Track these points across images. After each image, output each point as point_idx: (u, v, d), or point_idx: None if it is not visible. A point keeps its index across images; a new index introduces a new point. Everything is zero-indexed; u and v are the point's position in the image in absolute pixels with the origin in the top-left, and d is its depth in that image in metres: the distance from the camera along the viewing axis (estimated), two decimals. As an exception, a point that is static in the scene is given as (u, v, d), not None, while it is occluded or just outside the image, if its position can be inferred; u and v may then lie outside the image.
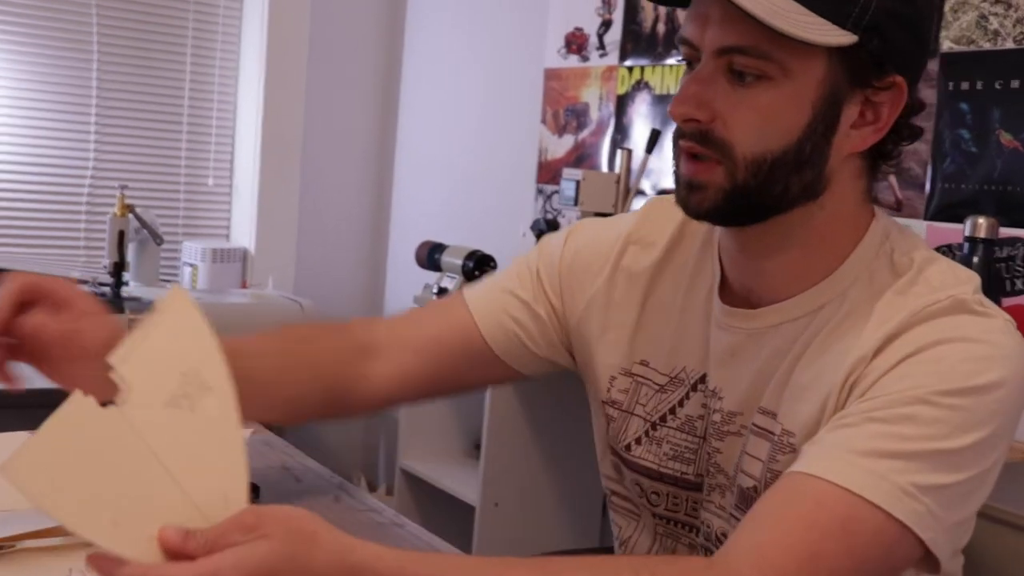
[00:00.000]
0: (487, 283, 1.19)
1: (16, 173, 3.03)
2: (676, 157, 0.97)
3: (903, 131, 0.96)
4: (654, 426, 1.07)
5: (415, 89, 3.48)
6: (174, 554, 0.74)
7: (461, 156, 3.29)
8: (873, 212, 0.99)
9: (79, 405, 0.74)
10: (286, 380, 1.12)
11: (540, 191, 2.97)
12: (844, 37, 0.87)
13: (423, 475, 2.87)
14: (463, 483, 2.73)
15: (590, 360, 1.13)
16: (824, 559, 0.83)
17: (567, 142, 2.91)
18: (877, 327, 0.91)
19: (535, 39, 2.98)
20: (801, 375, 0.95)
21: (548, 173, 2.95)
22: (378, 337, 1.16)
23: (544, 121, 2.97)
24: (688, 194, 0.95)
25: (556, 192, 2.87)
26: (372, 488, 3.39)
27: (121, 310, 2.50)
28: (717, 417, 1.02)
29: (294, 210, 3.36)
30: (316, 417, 1.20)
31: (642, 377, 1.08)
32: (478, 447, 2.72)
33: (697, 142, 0.92)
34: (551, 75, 2.95)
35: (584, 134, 2.87)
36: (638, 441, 1.08)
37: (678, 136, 0.95)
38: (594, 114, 2.84)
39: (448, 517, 2.87)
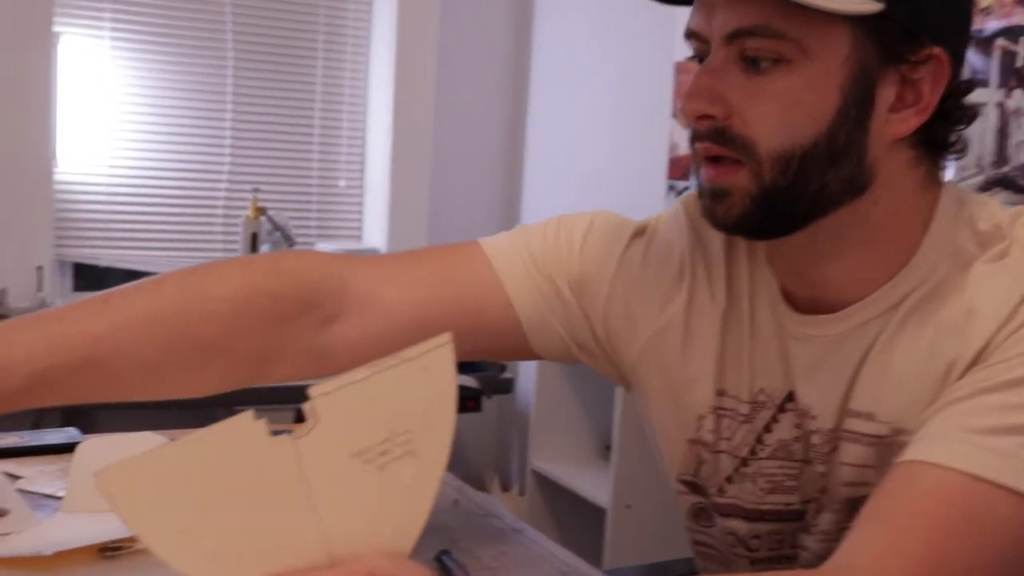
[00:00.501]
0: (524, 261, 1.01)
1: (156, 178, 3.12)
2: (695, 163, 0.87)
3: (954, 113, 0.85)
4: (744, 462, 0.95)
5: (544, 85, 3.45)
6: None
7: (591, 151, 3.25)
8: (940, 189, 0.88)
9: (246, 424, 0.64)
10: (185, 368, 0.94)
11: (671, 187, 2.91)
12: (866, 5, 0.77)
13: (554, 476, 2.85)
14: (594, 485, 2.70)
15: (671, 397, 0.99)
16: (953, 558, 0.74)
17: (699, 136, 2.84)
18: (996, 298, 0.81)
19: (664, 32, 2.92)
20: (897, 367, 0.85)
21: (679, 169, 2.88)
22: (349, 294, 0.98)
23: (675, 116, 2.91)
24: (713, 204, 0.85)
25: (687, 188, 2.81)
26: (505, 488, 3.38)
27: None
28: (816, 439, 0.91)
29: (425, 210, 3.37)
30: (233, 388, 0.98)
31: (723, 409, 0.96)
32: (609, 448, 2.67)
33: (714, 142, 0.83)
34: (681, 69, 2.89)
35: (716, 128, 2.79)
36: (729, 480, 0.96)
37: (694, 138, 0.85)
38: (726, 107, 2.76)
39: (579, 519, 2.84)
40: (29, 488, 1.11)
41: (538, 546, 1.06)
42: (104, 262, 3.01)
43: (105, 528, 0.97)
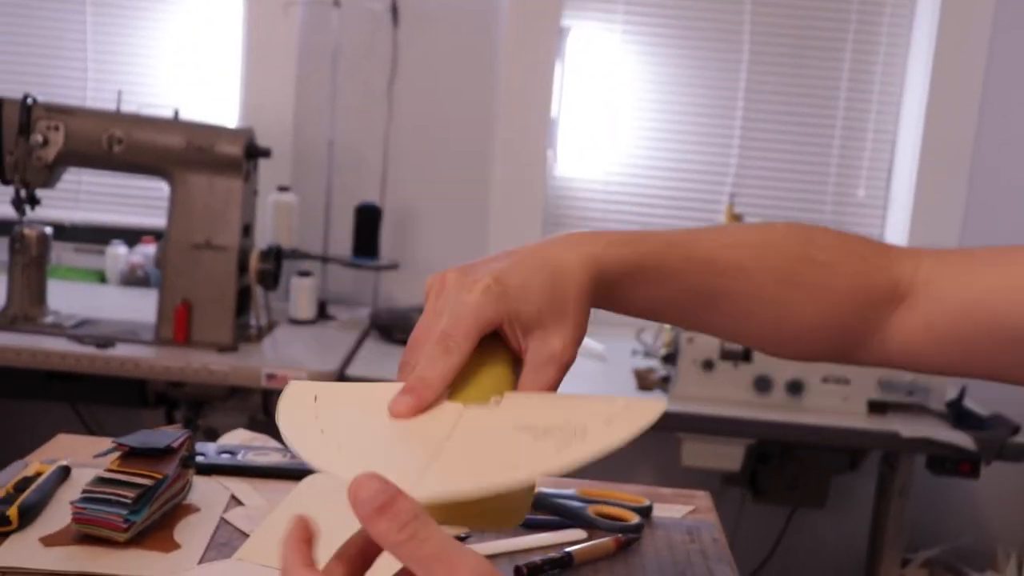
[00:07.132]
0: None
1: (656, 178, 3.03)
2: None
3: None
4: None
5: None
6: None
7: None
8: None
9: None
10: (789, 310, 0.88)
11: None
12: None
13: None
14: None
15: None
16: None
17: None
18: None
19: None
20: None
21: None
22: (916, 278, 0.88)
23: None
24: None
25: None
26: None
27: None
28: None
29: (956, 231, 2.94)
30: (817, 359, 0.93)
31: None
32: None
33: None
34: None
35: None
36: None
37: None
38: None
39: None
40: (232, 521, 1.06)
41: None
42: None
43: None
